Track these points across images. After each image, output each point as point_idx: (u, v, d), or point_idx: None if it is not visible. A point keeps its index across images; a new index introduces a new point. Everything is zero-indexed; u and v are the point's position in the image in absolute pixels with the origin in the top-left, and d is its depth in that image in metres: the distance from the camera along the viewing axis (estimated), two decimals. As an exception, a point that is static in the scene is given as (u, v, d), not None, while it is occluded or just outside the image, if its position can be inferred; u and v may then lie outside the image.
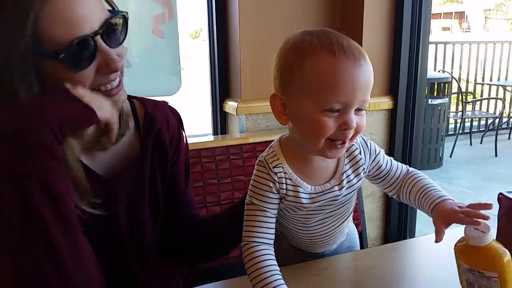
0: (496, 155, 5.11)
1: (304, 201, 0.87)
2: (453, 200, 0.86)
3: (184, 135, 1.02)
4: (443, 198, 0.86)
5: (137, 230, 0.94)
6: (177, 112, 1.02)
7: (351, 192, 0.91)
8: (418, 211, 2.15)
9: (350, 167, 0.90)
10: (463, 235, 0.79)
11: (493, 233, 0.78)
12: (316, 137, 0.79)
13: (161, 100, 1.00)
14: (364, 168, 0.91)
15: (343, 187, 0.88)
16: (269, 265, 0.82)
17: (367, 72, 0.77)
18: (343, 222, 0.95)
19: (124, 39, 0.81)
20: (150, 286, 0.93)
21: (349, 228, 1.07)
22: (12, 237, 0.66)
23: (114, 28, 0.78)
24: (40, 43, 0.70)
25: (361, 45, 0.81)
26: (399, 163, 0.96)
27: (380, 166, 0.93)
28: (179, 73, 1.84)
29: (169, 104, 1.01)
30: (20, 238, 0.66)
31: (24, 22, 0.67)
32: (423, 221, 2.62)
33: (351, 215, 0.98)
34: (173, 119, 1.00)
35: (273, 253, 0.86)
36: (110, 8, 0.81)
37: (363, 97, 0.77)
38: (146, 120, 0.94)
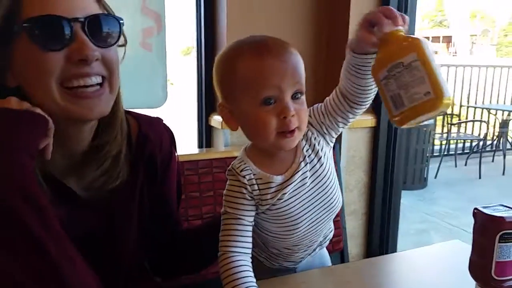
0: (480, 177, 5.17)
1: (272, 190, 0.89)
2: None
3: (176, 155, 1.01)
4: None
5: (120, 249, 0.92)
6: (170, 130, 1.01)
7: (322, 158, 0.93)
8: (400, 229, 2.19)
9: (303, 140, 0.92)
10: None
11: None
12: (262, 132, 0.84)
13: (155, 117, 0.99)
14: (314, 132, 0.93)
15: (306, 157, 0.92)
16: (244, 277, 0.82)
17: (293, 60, 0.83)
18: (329, 214, 0.95)
19: (115, 43, 0.81)
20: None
21: (322, 251, 1.08)
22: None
23: (100, 25, 0.77)
24: (19, 16, 0.71)
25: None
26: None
27: (322, 111, 0.94)
28: (166, 86, 1.84)
29: (163, 121, 1.00)
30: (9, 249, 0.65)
31: None
32: (405, 241, 2.64)
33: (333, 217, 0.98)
34: (166, 138, 0.98)
35: (250, 264, 0.85)
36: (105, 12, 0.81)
37: (292, 80, 0.82)
38: (140, 139, 0.93)
